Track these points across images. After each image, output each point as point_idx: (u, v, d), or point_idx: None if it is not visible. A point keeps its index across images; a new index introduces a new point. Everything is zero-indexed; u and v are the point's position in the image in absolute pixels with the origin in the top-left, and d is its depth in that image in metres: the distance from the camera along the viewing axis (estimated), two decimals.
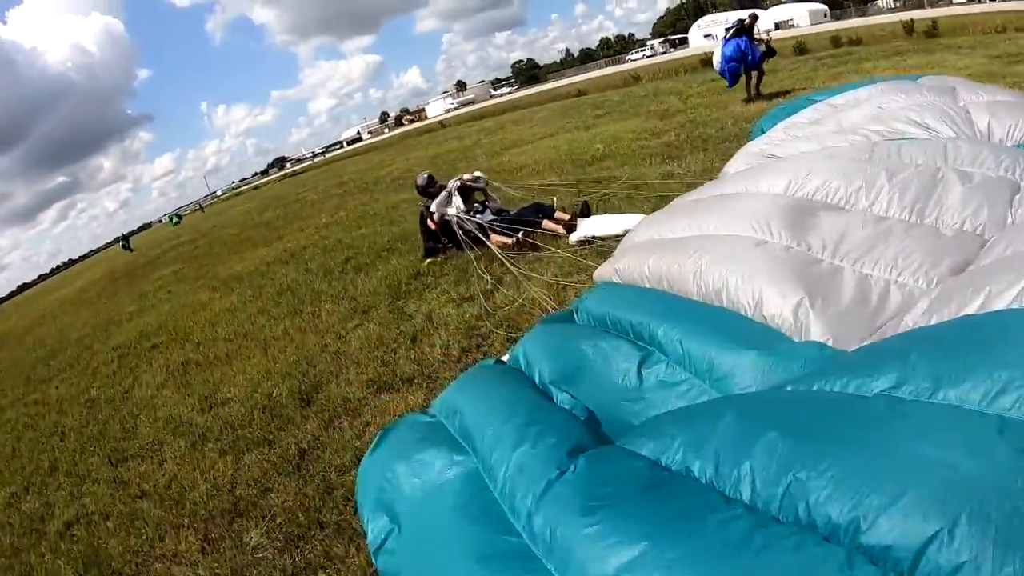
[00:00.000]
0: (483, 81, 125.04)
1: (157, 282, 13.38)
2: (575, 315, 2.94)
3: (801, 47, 20.60)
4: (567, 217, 5.77)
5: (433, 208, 6.29)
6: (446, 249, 6.37)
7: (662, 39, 76.70)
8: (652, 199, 5.93)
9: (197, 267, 13.29)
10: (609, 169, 8.26)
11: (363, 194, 15.48)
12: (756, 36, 11.05)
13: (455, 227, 6.18)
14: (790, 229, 2.56)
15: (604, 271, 3.22)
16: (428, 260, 6.31)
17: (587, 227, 5.42)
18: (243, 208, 30.13)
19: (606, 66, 70.83)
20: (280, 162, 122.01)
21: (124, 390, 5.98)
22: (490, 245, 5.78)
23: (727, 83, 11.47)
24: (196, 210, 52.76)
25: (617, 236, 5.01)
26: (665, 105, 13.84)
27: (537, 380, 2.48)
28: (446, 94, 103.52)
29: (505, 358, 2.86)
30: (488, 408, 2.14)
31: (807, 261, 2.39)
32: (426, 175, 6.78)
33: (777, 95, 10.84)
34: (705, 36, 58.51)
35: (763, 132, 4.94)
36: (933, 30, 19.42)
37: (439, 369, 3.86)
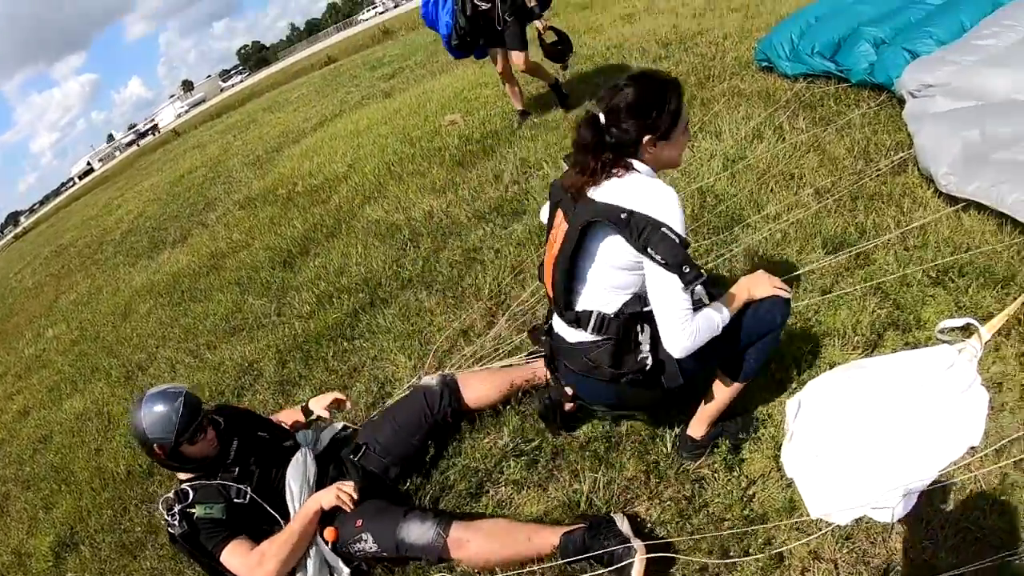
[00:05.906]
0: (210, 76, 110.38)
1: None
2: None
3: None
4: None
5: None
6: None
7: None
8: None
9: None
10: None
11: (85, 273, 9.41)
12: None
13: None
14: None
15: None
16: None
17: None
18: None
19: (336, 32, 64.68)
20: (13, 218, 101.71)
21: None
22: None
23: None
24: None
25: None
26: None
27: None
28: (174, 98, 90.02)
29: None
30: None
31: None
32: (167, 413, 1.96)
33: None
34: None
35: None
36: None
37: None
